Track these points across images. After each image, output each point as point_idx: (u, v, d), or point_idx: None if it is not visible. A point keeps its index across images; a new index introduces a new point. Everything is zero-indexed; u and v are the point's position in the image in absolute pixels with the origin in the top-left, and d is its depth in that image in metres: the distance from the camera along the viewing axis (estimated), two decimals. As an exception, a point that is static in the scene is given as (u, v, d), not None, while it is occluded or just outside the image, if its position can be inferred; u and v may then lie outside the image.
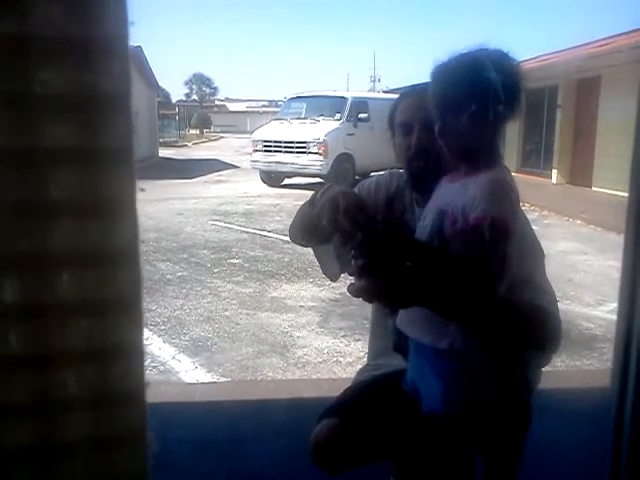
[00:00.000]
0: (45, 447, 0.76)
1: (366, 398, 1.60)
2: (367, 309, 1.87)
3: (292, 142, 13.90)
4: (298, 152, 13.80)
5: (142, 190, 0.73)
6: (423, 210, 1.41)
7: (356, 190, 1.75)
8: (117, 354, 0.77)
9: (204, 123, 48.89)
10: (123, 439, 0.79)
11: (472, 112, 1.19)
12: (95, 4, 0.70)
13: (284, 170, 14.03)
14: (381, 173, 1.84)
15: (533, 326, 1.34)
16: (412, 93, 1.61)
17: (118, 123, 0.73)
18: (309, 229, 1.60)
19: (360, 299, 1.25)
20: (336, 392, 1.68)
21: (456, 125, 1.21)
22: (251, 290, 5.50)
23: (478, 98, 1.18)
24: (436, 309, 1.24)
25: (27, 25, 0.68)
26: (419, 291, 1.21)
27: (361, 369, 1.84)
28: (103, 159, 0.73)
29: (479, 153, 1.24)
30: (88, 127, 0.72)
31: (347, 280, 1.29)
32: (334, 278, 1.73)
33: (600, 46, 11.75)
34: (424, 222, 1.33)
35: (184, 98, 63.53)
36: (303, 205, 1.64)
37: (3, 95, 0.69)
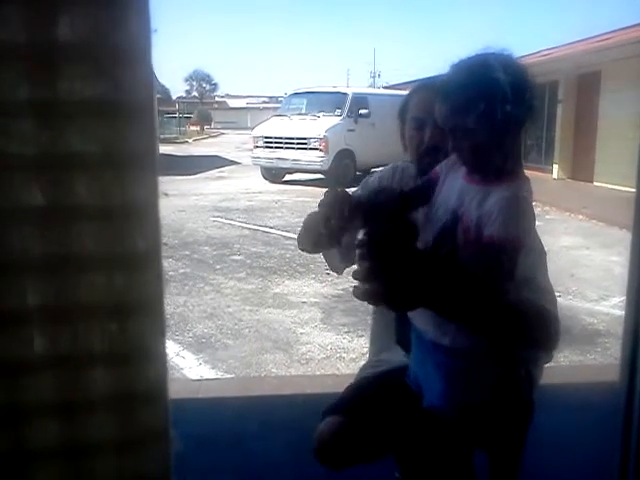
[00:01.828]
0: (71, 448, 0.78)
1: (368, 395, 1.61)
2: (369, 305, 1.88)
3: (293, 138, 13.88)
4: (299, 148, 13.78)
5: (166, 195, 0.75)
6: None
7: (359, 189, 1.75)
8: (141, 355, 0.79)
9: (204, 119, 48.83)
10: (147, 438, 0.81)
11: (491, 121, 1.15)
12: (119, 13, 0.71)
13: (285, 166, 14.02)
14: (381, 169, 1.82)
15: (533, 325, 1.34)
16: (428, 87, 1.58)
17: (142, 129, 0.75)
18: (315, 237, 1.59)
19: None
20: (340, 388, 1.69)
21: (474, 135, 1.18)
22: (253, 286, 5.51)
23: (495, 106, 1.14)
24: (440, 311, 1.24)
25: (53, 34, 0.69)
26: (424, 294, 1.21)
27: (363, 366, 1.85)
28: (128, 164, 0.75)
29: (499, 161, 1.21)
30: (113, 133, 0.73)
31: (350, 277, 1.29)
32: (339, 272, 1.74)
33: (600, 41, 11.73)
34: (436, 214, 1.30)
35: (184, 95, 63.50)
36: (309, 215, 1.64)
37: (29, 103, 0.70)
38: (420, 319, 1.33)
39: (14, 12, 0.68)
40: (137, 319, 0.78)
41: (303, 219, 1.70)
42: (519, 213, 1.19)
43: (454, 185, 1.30)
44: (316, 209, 1.57)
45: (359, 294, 1.22)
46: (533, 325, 1.34)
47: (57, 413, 0.77)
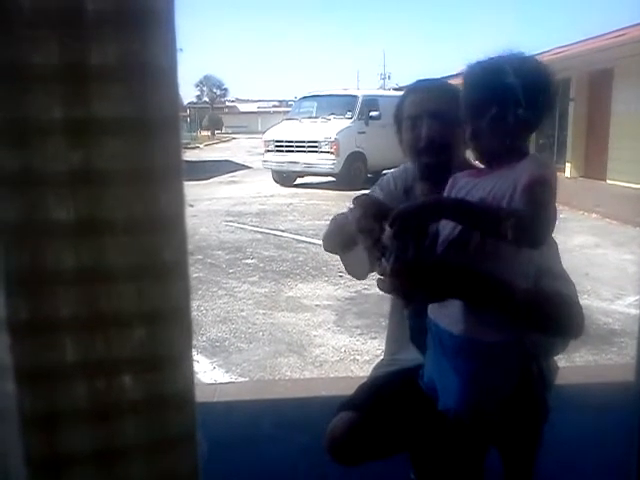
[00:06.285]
0: (103, 452, 0.80)
1: (381, 393, 1.62)
2: (383, 307, 1.88)
3: (304, 141, 13.90)
4: (310, 151, 13.81)
5: (191, 206, 0.77)
6: None
7: (377, 188, 1.77)
8: (169, 361, 0.81)
9: (215, 124, 48.99)
10: (176, 441, 0.83)
11: (507, 115, 1.23)
12: (147, 35, 0.74)
13: (296, 169, 14.05)
14: (395, 169, 1.86)
15: (557, 311, 1.35)
16: (419, 87, 1.64)
17: (168, 144, 0.77)
18: (343, 238, 1.60)
19: (373, 299, 1.26)
20: (353, 390, 1.69)
21: (490, 128, 1.25)
22: (266, 290, 5.52)
23: (510, 102, 1.22)
24: (469, 300, 1.25)
25: (85, 55, 0.72)
26: (451, 284, 1.22)
27: (377, 364, 1.86)
28: (155, 178, 0.78)
29: (511, 151, 1.28)
30: (141, 149, 0.76)
31: (361, 280, 1.30)
32: (363, 277, 1.74)
33: (613, 38, 11.65)
34: (449, 224, 1.30)
35: (195, 100, 63.70)
36: (337, 216, 1.68)
37: (62, 122, 0.73)
38: (440, 315, 1.33)
39: (47, 35, 0.71)
40: (165, 327, 0.80)
41: (323, 221, 1.71)
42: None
43: (461, 190, 1.33)
44: (341, 211, 1.59)
45: (386, 288, 1.23)
46: (556, 310, 1.34)
47: (89, 418, 0.79)
